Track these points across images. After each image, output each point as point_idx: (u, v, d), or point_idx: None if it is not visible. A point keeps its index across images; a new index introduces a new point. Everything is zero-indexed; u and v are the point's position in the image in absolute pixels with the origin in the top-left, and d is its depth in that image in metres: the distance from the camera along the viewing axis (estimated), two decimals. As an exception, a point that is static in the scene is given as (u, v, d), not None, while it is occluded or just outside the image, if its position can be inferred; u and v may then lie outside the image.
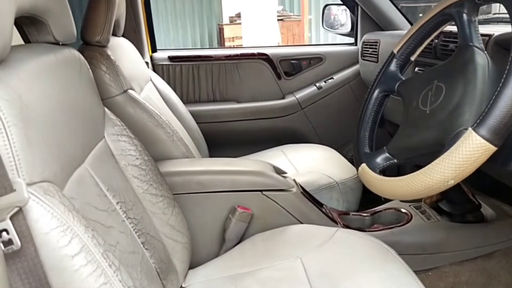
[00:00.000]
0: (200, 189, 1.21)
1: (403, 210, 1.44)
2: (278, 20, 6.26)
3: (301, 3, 7.57)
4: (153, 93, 1.63)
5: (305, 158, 1.76)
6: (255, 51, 2.10)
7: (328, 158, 1.77)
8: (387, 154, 0.96)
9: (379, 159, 0.96)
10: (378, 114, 1.11)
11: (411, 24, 2.03)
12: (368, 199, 1.70)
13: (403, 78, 1.08)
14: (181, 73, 2.07)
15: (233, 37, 6.54)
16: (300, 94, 2.12)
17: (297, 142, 2.02)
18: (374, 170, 0.93)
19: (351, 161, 1.74)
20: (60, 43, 0.85)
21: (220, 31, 6.88)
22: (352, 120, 2.19)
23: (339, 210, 1.47)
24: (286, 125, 2.11)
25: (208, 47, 7.43)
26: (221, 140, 2.06)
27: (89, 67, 0.95)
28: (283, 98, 2.14)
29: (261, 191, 1.24)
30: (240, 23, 6.18)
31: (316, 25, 8.20)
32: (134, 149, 1.00)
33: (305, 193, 1.31)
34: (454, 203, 1.41)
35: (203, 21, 7.31)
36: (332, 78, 2.13)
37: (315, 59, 2.14)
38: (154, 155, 1.10)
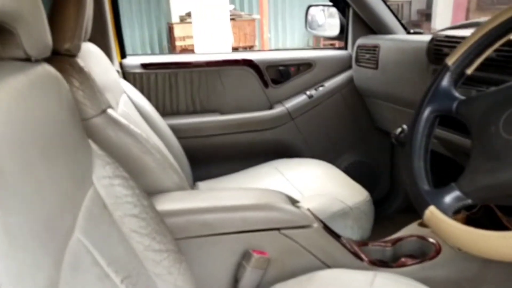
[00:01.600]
0: (207, 231, 0.98)
1: (430, 240, 1.27)
2: (230, 19, 6.09)
3: (260, 2, 7.39)
4: (130, 108, 1.38)
5: (306, 177, 1.56)
6: (239, 57, 1.88)
7: (332, 176, 1.58)
8: (458, 193, 0.77)
9: (449, 199, 0.77)
10: (430, 139, 0.92)
11: (405, 28, 1.88)
12: (377, 223, 1.55)
13: (461, 96, 0.89)
14: (156, 82, 1.81)
15: (184, 37, 6.46)
16: (290, 104, 1.92)
17: (288, 156, 1.83)
18: (446, 214, 0.75)
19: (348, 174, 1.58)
20: (33, 59, 0.60)
21: (170, 30, 6.73)
22: (344, 130, 2.05)
23: (357, 241, 1.28)
24: (276, 138, 1.90)
25: (158, 46, 7.20)
26: (203, 157, 1.83)
27: (68, 88, 0.71)
28: (271, 108, 1.93)
29: (278, 229, 1.03)
30: (190, 22, 5.96)
31: (275, 26, 8.06)
32: (131, 194, 0.76)
33: (326, 227, 1.11)
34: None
35: (151, 20, 7.14)
36: (322, 85, 1.95)
37: (304, 65, 1.95)
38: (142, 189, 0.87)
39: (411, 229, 1.36)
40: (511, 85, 0.80)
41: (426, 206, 0.80)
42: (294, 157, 1.81)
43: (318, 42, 7.32)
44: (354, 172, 2.01)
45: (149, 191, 1.07)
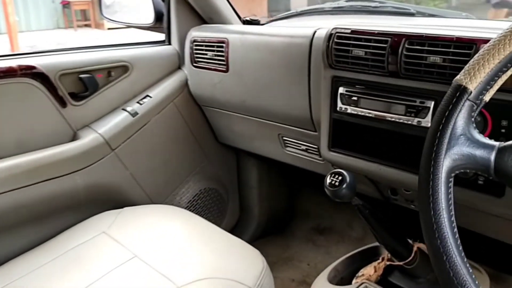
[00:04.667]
0: None
1: None
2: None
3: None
4: None
5: (162, 244, 1.03)
6: (15, 63, 1.16)
7: (199, 233, 1.09)
8: None
9: None
10: (452, 207, 0.55)
11: (239, 16, 1.48)
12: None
13: (494, 142, 0.54)
14: None
15: None
16: (105, 127, 1.30)
17: (115, 206, 1.24)
18: None
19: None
20: None
21: None
22: (185, 152, 1.51)
23: None
24: (91, 182, 1.26)
25: None
26: None
27: None
28: (74, 137, 1.28)
29: None
30: None
31: (25, 7, 6.62)
32: None
33: None
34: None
35: None
36: (148, 96, 1.39)
37: (117, 69, 1.35)
38: None
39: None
40: None
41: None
42: (123, 206, 1.23)
43: (70, 22, 6.19)
44: (202, 204, 1.55)
45: None
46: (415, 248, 0.97)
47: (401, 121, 0.89)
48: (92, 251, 1.03)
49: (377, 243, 1.16)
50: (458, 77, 0.56)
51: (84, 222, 1.18)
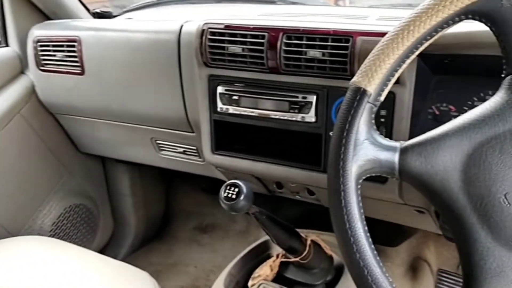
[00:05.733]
0: None
1: None
2: None
3: None
4: None
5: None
6: None
7: (75, 266, 0.94)
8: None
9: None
10: (363, 215, 0.53)
11: (87, 9, 1.31)
12: None
13: (395, 143, 0.53)
14: None
15: None
16: None
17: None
18: None
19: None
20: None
21: None
22: (41, 169, 1.29)
23: None
24: None
25: None
26: None
27: None
28: None
29: None
30: None
31: None
32: None
33: None
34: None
35: None
36: (-14, 109, 1.16)
37: None
38: None
39: None
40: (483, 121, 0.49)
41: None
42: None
43: None
44: (70, 224, 1.37)
45: None
46: (308, 242, 0.97)
47: (285, 118, 0.86)
48: None
49: (264, 238, 1.15)
50: (355, 79, 0.54)
51: None
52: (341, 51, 0.78)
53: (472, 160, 0.49)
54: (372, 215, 1.01)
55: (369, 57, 0.54)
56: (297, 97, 0.85)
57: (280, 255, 1.03)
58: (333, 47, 0.78)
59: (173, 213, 1.74)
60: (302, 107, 0.85)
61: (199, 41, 0.89)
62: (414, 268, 1.30)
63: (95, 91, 1.15)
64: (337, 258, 1.06)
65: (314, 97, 0.83)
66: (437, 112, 0.81)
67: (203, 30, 0.89)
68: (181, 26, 0.99)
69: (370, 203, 0.91)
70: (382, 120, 0.80)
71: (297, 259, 0.97)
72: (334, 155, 0.53)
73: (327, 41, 0.79)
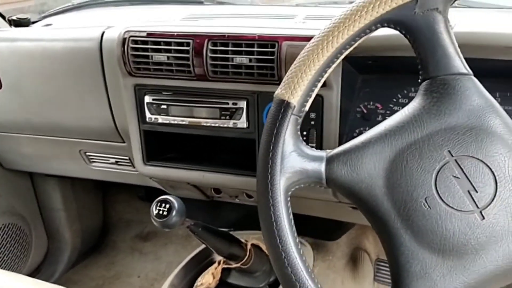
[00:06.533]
0: None
1: None
2: None
3: None
4: None
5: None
6: None
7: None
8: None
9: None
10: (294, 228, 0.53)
11: (3, 16, 1.22)
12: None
13: (321, 153, 0.53)
14: None
15: None
16: None
17: None
18: None
19: None
20: None
21: None
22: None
23: None
24: None
25: None
26: None
27: None
28: None
29: None
30: None
31: None
32: None
33: None
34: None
35: None
36: None
37: None
38: None
39: None
40: (401, 128, 0.51)
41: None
42: None
43: None
44: (0, 245, 1.28)
45: None
46: (249, 247, 0.97)
47: (217, 125, 0.85)
48: None
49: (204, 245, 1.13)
50: (279, 91, 0.54)
51: None
52: (267, 56, 0.77)
53: (394, 166, 0.50)
54: (311, 213, 1.03)
55: (291, 68, 0.54)
56: (227, 103, 0.83)
57: (221, 262, 1.02)
58: (259, 53, 0.78)
59: (112, 223, 1.68)
60: (233, 113, 0.83)
61: (121, 50, 0.85)
62: (354, 259, 1.34)
63: (15, 105, 1.07)
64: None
65: (244, 102, 0.82)
66: (365, 111, 0.82)
67: (124, 39, 0.85)
68: (103, 33, 0.94)
69: (308, 202, 0.92)
70: (312, 123, 0.81)
71: (238, 264, 0.97)
72: (262, 168, 0.53)
73: (253, 47, 0.78)
